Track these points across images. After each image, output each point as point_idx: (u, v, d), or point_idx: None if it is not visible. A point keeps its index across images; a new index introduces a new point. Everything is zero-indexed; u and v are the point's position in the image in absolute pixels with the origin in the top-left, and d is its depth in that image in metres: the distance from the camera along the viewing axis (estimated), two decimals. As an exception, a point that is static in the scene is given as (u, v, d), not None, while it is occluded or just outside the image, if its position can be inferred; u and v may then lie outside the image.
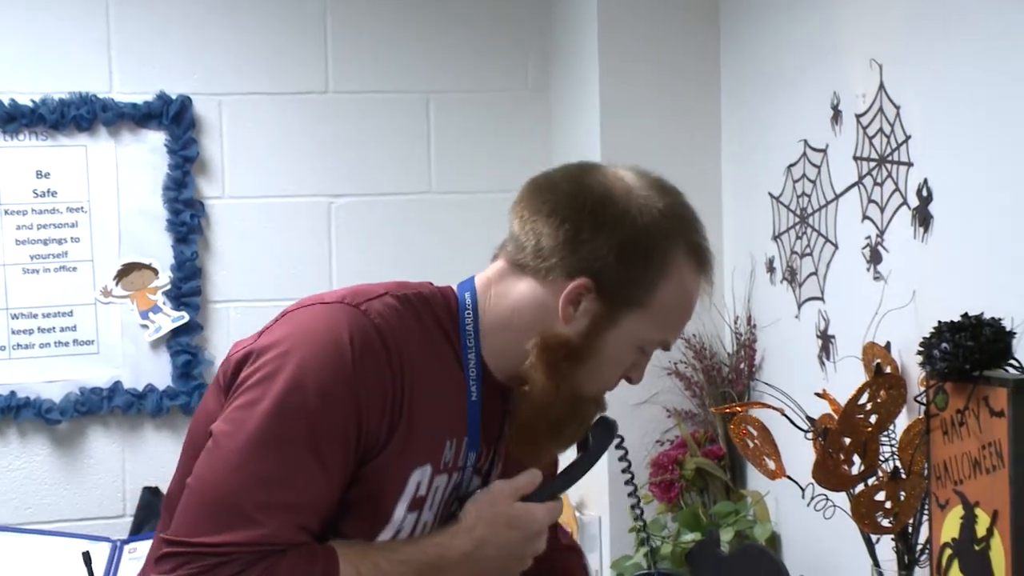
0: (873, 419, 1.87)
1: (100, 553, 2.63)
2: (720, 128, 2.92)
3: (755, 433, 2.04)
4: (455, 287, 1.50)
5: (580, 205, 1.42)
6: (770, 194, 2.62)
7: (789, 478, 2.01)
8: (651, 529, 2.71)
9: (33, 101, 3.07)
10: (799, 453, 1.99)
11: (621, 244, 1.41)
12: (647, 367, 1.53)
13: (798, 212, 2.49)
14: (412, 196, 3.27)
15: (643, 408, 2.83)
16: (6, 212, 3.07)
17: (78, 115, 3.08)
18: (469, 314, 1.46)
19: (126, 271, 3.14)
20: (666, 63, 2.91)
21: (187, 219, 3.13)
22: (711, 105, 2.92)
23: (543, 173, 1.51)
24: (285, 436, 1.32)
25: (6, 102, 3.05)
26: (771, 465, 2.02)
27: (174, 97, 3.14)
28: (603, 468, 2.85)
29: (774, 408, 2.03)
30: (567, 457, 1.56)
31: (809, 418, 1.96)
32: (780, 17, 2.56)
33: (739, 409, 2.16)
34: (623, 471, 1.62)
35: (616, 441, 1.55)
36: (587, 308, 1.42)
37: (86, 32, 3.12)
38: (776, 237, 2.60)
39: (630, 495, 1.65)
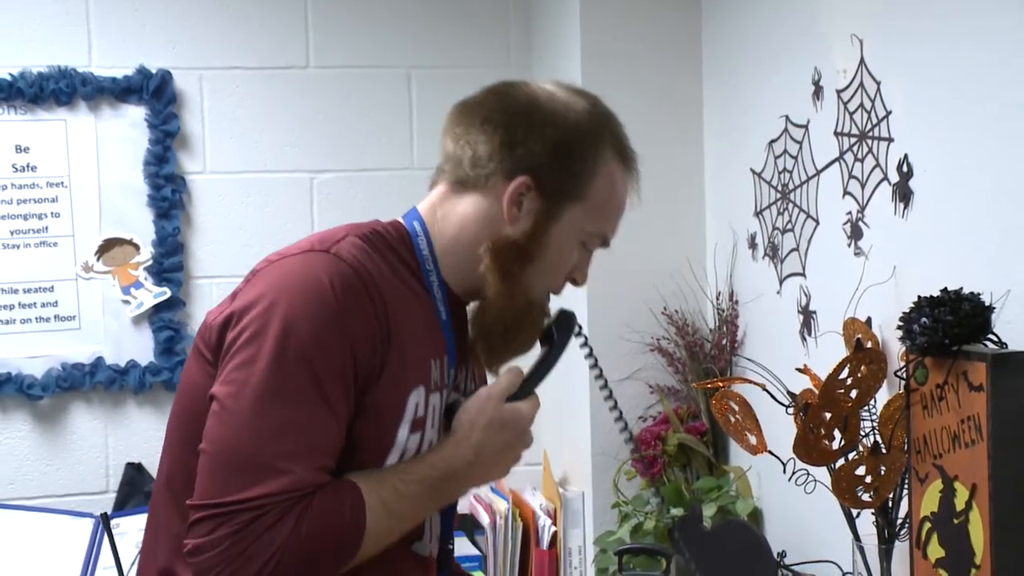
0: (853, 394, 1.88)
1: (83, 529, 2.64)
2: (702, 104, 2.92)
3: (736, 408, 2.05)
4: (401, 219, 1.56)
5: (511, 111, 1.51)
6: (752, 170, 2.62)
7: (771, 453, 2.02)
8: (634, 504, 2.73)
9: (11, 75, 3.05)
10: (781, 428, 2.01)
11: (555, 141, 1.49)
12: (589, 269, 1.60)
13: (779, 188, 2.49)
14: (394, 172, 3.26)
15: (626, 384, 2.84)
16: (-14, 187, 3.06)
17: (57, 89, 3.06)
18: (422, 240, 1.52)
19: (107, 246, 3.13)
20: (647, 39, 2.90)
21: (168, 194, 3.12)
22: (693, 81, 2.91)
23: (466, 97, 1.58)
24: (289, 384, 1.35)
25: (-16, 76, 3.04)
26: (752, 440, 2.04)
27: (154, 71, 3.12)
28: (586, 444, 2.86)
29: (755, 383, 2.05)
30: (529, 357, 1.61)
31: (790, 393, 1.97)
32: (763, -7, 2.56)
33: (721, 384, 2.17)
34: (587, 356, 1.63)
35: (577, 330, 1.61)
36: (530, 207, 1.50)
37: (65, 5, 3.09)
38: (758, 213, 2.61)
39: (601, 385, 1.65)
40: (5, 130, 3.06)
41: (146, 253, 3.13)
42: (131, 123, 3.13)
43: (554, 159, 1.49)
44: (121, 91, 3.11)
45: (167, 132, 3.13)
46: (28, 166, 3.08)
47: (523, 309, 1.53)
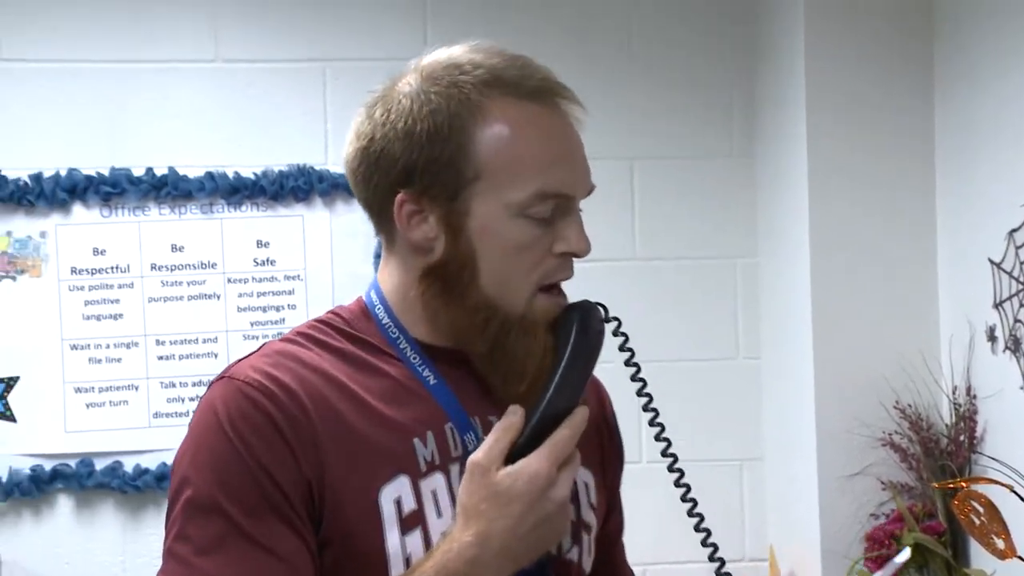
0: (1113, 499, 1.77)
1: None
2: (935, 191, 2.83)
3: (981, 510, 1.95)
4: (363, 294, 1.37)
5: (361, 144, 1.31)
6: (990, 260, 2.52)
7: (1020, 559, 1.92)
8: (867, 606, 2.62)
9: (255, 174, 3.21)
10: (1030, 532, 1.90)
11: (393, 144, 1.26)
12: (583, 228, 1.30)
13: (1022, 279, 2.39)
14: (615, 263, 3.26)
15: (856, 480, 2.75)
16: (229, 280, 3.21)
17: (296, 186, 3.20)
18: (379, 308, 1.32)
19: (339, 337, 3.23)
20: (877, 126, 2.85)
21: (397, 286, 3.21)
22: (925, 168, 2.84)
23: None
24: (206, 541, 1.20)
25: (231, 175, 3.20)
26: (1000, 544, 1.93)
27: (385, 168, 3.24)
28: (815, 540, 2.77)
29: (1002, 484, 1.95)
30: None
31: (1041, 496, 1.87)
32: (999, 76, 2.49)
33: (963, 484, 2.08)
34: (639, 389, 1.30)
35: (600, 321, 1.28)
36: (431, 218, 1.26)
37: (304, 105, 3.24)
38: (997, 305, 2.51)
39: (656, 429, 1.31)
40: (248, 226, 3.21)
41: (376, 343, 3.22)
42: (362, 217, 3.21)
43: (409, 157, 1.25)
44: (354, 187, 3.23)
45: (396, 225, 3.23)
46: (268, 260, 3.23)
47: (500, 322, 1.26)
